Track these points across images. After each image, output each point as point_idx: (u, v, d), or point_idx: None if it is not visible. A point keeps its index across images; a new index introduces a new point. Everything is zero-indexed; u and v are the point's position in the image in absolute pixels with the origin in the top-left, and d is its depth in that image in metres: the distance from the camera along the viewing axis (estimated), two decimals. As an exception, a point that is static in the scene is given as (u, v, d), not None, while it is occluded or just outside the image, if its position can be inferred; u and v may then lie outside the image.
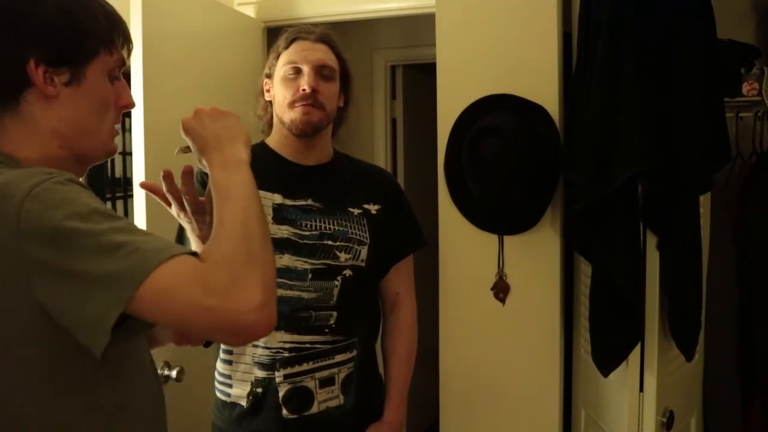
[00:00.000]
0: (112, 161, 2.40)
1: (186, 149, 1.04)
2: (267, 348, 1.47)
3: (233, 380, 1.51)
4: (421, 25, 2.63)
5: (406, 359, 1.63)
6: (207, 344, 1.09)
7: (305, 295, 1.47)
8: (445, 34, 1.91)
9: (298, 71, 1.50)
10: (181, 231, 1.35)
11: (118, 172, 2.37)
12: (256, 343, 1.47)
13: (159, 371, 1.79)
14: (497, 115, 1.78)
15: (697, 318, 1.64)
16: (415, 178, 3.30)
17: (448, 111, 1.89)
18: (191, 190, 1.09)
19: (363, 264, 1.53)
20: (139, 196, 1.82)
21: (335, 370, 1.50)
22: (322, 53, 1.52)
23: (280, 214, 1.48)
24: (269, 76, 1.56)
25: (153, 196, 1.12)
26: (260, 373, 1.47)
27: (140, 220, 1.78)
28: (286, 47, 1.53)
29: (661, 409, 1.58)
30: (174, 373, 1.81)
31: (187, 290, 0.78)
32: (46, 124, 0.89)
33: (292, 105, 1.49)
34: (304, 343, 1.47)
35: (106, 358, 0.80)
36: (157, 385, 1.01)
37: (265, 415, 1.47)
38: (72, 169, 0.91)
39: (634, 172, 1.42)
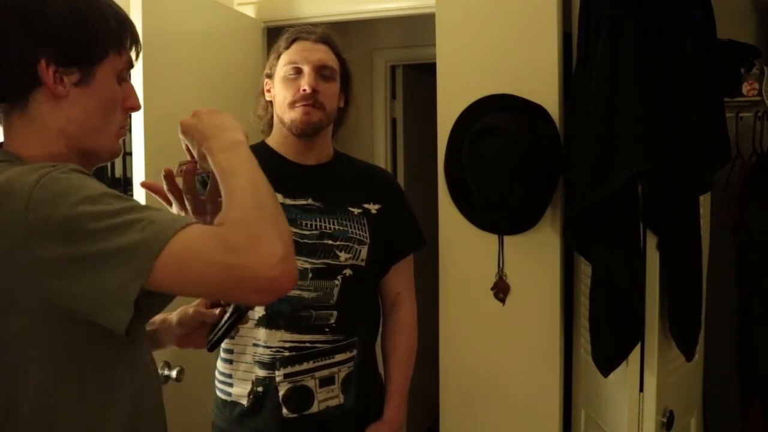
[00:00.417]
0: (112, 161, 2.40)
1: (183, 164, 1.03)
2: (267, 347, 1.47)
3: (234, 379, 1.51)
4: (421, 25, 2.63)
5: (406, 359, 1.64)
6: (212, 347, 1.09)
7: (305, 294, 1.47)
8: (445, 34, 1.91)
9: (298, 71, 1.50)
10: None
11: (118, 172, 2.37)
12: (256, 342, 1.47)
13: (159, 371, 1.80)
14: (497, 115, 1.78)
15: (697, 318, 1.64)
16: (415, 178, 3.30)
17: (448, 111, 1.89)
18: (192, 189, 1.09)
19: (363, 263, 1.53)
20: (140, 196, 1.82)
21: (335, 369, 1.50)
22: (323, 53, 1.52)
23: (281, 214, 1.48)
24: (270, 76, 1.56)
25: (154, 195, 1.12)
26: (261, 372, 1.47)
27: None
28: (287, 47, 1.54)
29: (661, 409, 1.58)
30: (174, 373, 1.81)
31: (208, 251, 0.78)
32: (53, 124, 0.90)
33: (292, 105, 1.49)
34: (305, 342, 1.47)
35: (124, 348, 0.81)
36: (158, 383, 1.01)
37: (265, 414, 1.47)
38: None
39: (634, 172, 1.42)
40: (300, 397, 1.47)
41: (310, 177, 1.54)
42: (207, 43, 2.13)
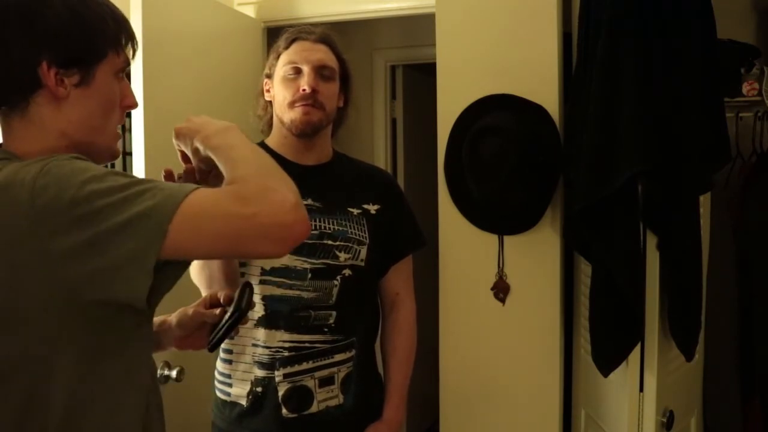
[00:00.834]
0: (113, 162, 2.40)
1: (181, 176, 1.04)
2: (267, 347, 1.47)
3: (233, 379, 1.51)
4: (421, 25, 2.63)
5: (406, 359, 1.64)
6: (212, 348, 1.09)
7: (305, 294, 1.47)
8: (445, 34, 1.91)
9: (298, 71, 1.50)
10: None
11: (118, 172, 2.37)
12: (255, 342, 1.47)
13: (159, 371, 1.80)
14: (497, 115, 1.78)
15: (697, 318, 1.64)
16: (415, 178, 3.30)
17: (448, 111, 1.89)
18: None
19: (362, 264, 1.53)
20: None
21: (335, 369, 1.50)
22: (322, 53, 1.52)
23: (280, 214, 1.48)
24: (269, 76, 1.56)
25: None
26: (260, 373, 1.47)
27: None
28: (286, 47, 1.54)
29: (661, 409, 1.58)
30: (174, 373, 1.81)
31: (222, 205, 0.79)
32: (54, 126, 0.90)
33: (292, 105, 1.49)
34: (304, 342, 1.47)
35: (140, 327, 0.81)
36: (156, 382, 1.01)
37: (264, 414, 1.47)
38: None
39: (634, 172, 1.42)
40: (300, 397, 1.47)
41: (309, 177, 1.54)
42: (207, 43, 2.13)
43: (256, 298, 1.46)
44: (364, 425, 1.56)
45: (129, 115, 1.88)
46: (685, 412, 1.76)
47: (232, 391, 1.51)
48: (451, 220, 1.90)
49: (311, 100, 1.48)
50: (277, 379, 1.46)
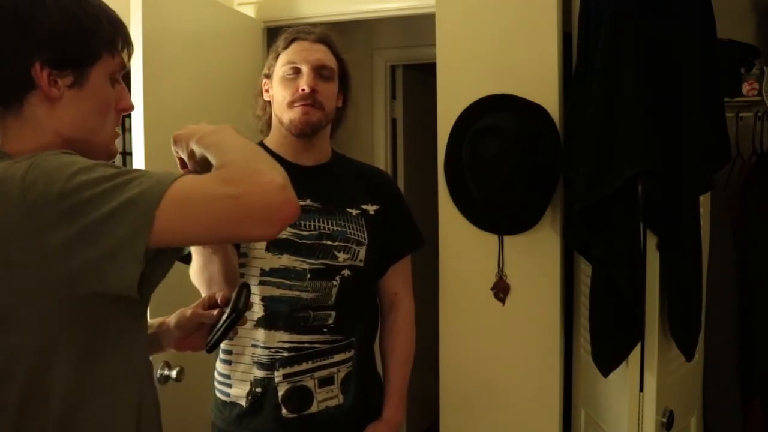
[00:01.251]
0: (112, 161, 2.40)
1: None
2: (266, 348, 1.47)
3: (233, 380, 1.51)
4: (421, 25, 2.63)
5: (405, 359, 1.64)
6: (210, 349, 1.08)
7: (304, 295, 1.47)
8: (445, 34, 1.91)
9: (297, 71, 1.50)
10: None
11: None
12: (255, 342, 1.47)
13: (159, 371, 1.80)
14: (497, 115, 1.78)
15: (697, 318, 1.64)
16: (415, 178, 3.30)
17: (448, 111, 1.89)
18: None
19: (361, 264, 1.53)
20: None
21: (334, 369, 1.50)
22: (321, 53, 1.52)
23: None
24: (268, 76, 1.56)
25: None
26: (259, 373, 1.47)
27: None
28: (285, 47, 1.54)
29: (661, 409, 1.58)
30: (174, 373, 1.81)
31: (209, 188, 0.79)
32: (49, 126, 0.90)
33: (291, 105, 1.49)
34: (303, 342, 1.47)
35: (134, 320, 0.81)
36: (151, 376, 1.02)
37: (264, 414, 1.47)
38: None
39: (634, 172, 1.42)
40: (299, 397, 1.47)
41: (308, 178, 1.54)
42: (207, 43, 2.13)
43: (256, 299, 1.46)
44: (364, 425, 1.56)
45: (129, 115, 1.88)
46: (685, 412, 1.76)
47: (232, 391, 1.51)
48: (451, 220, 1.90)
49: (310, 100, 1.48)
50: (276, 380, 1.46)
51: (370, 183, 1.63)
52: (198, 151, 0.95)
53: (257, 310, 1.47)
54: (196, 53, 2.06)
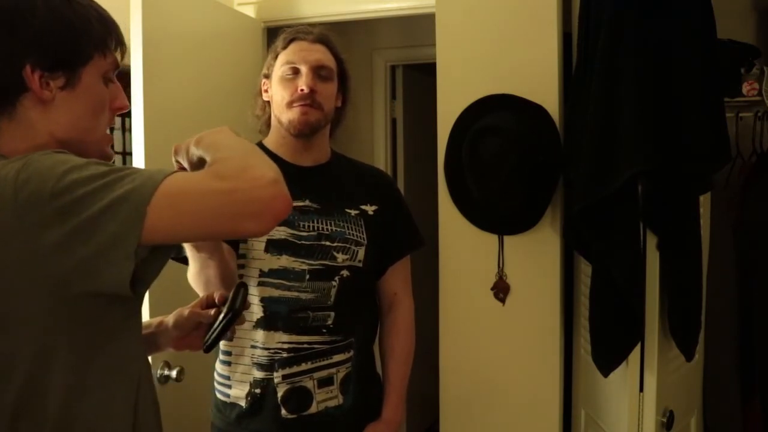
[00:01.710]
0: (112, 161, 2.40)
1: None
2: (265, 348, 1.47)
3: (232, 381, 1.51)
4: (421, 25, 2.63)
5: (404, 359, 1.64)
6: (207, 349, 1.08)
7: (303, 295, 1.47)
8: (445, 34, 1.91)
9: (296, 71, 1.50)
10: None
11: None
12: (254, 343, 1.47)
13: (159, 371, 1.80)
14: (497, 115, 1.78)
15: (697, 318, 1.64)
16: (415, 178, 3.30)
17: (448, 111, 1.89)
18: None
19: (360, 264, 1.53)
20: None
21: (333, 370, 1.50)
22: (320, 54, 1.52)
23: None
24: (267, 76, 1.56)
25: None
26: (259, 374, 1.47)
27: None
28: (284, 47, 1.53)
29: (661, 409, 1.58)
30: (174, 373, 1.81)
31: (200, 183, 0.79)
32: (42, 128, 0.90)
33: (290, 105, 1.49)
34: (302, 343, 1.47)
35: (129, 319, 0.81)
36: (149, 375, 1.02)
37: (264, 415, 1.47)
38: None
39: (634, 172, 1.42)
40: (299, 397, 1.47)
41: (307, 178, 1.54)
42: (207, 43, 2.13)
43: (255, 300, 1.46)
44: (364, 425, 1.56)
45: (129, 115, 1.88)
46: (685, 412, 1.76)
47: (232, 392, 1.51)
48: (451, 220, 1.90)
49: (309, 100, 1.48)
50: (275, 380, 1.46)
51: (370, 183, 1.63)
52: (196, 153, 0.95)
53: (256, 311, 1.47)
54: (196, 53, 2.06)
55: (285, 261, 1.46)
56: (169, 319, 1.16)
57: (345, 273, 1.50)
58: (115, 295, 0.82)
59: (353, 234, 1.53)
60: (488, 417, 1.90)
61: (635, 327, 1.52)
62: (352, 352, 1.53)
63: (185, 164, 1.00)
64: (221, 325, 1.03)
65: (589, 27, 1.57)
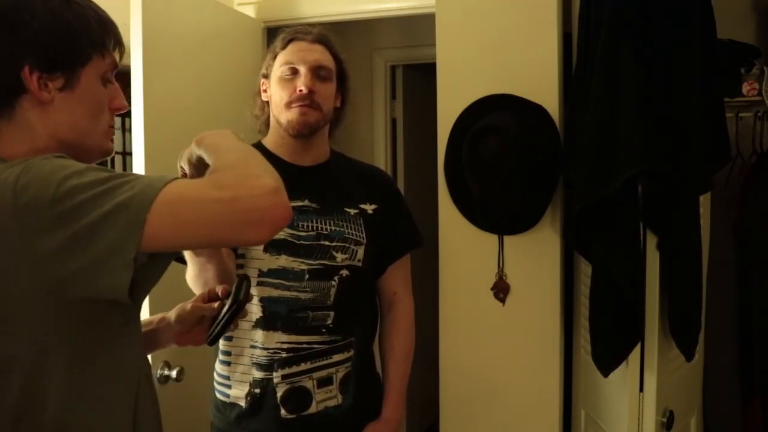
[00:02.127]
0: (112, 161, 2.40)
1: None
2: (265, 348, 1.47)
3: (232, 381, 1.51)
4: (421, 25, 2.63)
5: (404, 358, 1.64)
6: (212, 342, 1.09)
7: (302, 295, 1.47)
8: (445, 34, 1.91)
9: (294, 72, 1.50)
10: None
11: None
12: (253, 343, 1.47)
13: (159, 371, 1.80)
14: (497, 115, 1.78)
15: (697, 318, 1.64)
16: (415, 178, 3.30)
17: (448, 111, 1.89)
18: None
19: (360, 264, 1.53)
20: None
21: (333, 369, 1.50)
22: (319, 54, 1.52)
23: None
24: (266, 76, 1.56)
25: None
26: (258, 374, 1.47)
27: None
28: (283, 48, 1.53)
29: (661, 409, 1.57)
30: (174, 373, 1.81)
31: (200, 192, 0.79)
32: (42, 129, 0.90)
33: (289, 105, 1.49)
34: (302, 343, 1.47)
35: (126, 325, 0.81)
36: (149, 376, 1.02)
37: (263, 415, 1.47)
38: None
39: (634, 172, 1.42)
40: (298, 397, 1.47)
41: (306, 178, 1.54)
42: (207, 43, 2.13)
43: (254, 300, 1.46)
44: (363, 425, 1.56)
45: (129, 115, 1.88)
46: (685, 412, 1.76)
47: (231, 392, 1.51)
48: (451, 220, 1.90)
49: (308, 100, 1.48)
50: (275, 380, 1.46)
51: (369, 182, 1.63)
52: (196, 152, 0.95)
53: (256, 311, 1.47)
54: (196, 53, 2.06)
55: (284, 261, 1.46)
56: (172, 314, 1.16)
57: (344, 272, 1.50)
58: (113, 302, 0.82)
59: (352, 233, 1.53)
60: (488, 417, 1.90)
61: (635, 327, 1.52)
62: (351, 352, 1.53)
63: (187, 168, 1.00)
64: (226, 317, 1.03)
65: (589, 27, 1.57)
